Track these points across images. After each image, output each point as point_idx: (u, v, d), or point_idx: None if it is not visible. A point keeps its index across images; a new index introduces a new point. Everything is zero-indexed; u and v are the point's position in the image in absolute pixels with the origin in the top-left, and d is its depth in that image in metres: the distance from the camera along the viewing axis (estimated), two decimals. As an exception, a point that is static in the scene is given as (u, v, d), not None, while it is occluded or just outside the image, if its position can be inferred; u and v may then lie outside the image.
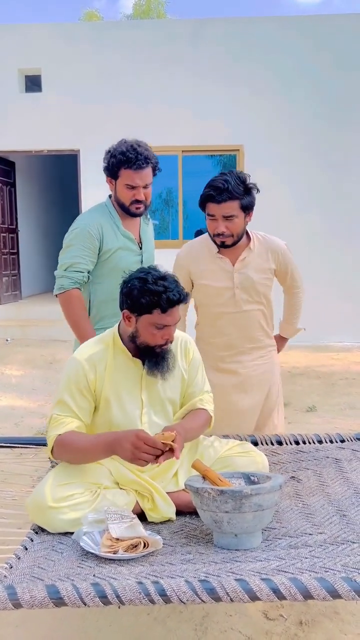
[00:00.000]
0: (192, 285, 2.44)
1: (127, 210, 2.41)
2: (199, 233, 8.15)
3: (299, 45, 7.26)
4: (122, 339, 1.88)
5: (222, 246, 2.25)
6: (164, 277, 1.78)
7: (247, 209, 2.22)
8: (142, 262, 2.49)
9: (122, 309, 1.83)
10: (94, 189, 7.57)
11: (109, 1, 51.43)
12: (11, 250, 8.89)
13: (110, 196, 2.50)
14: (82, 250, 2.38)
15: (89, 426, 1.90)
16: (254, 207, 2.27)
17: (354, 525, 1.69)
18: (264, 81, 7.30)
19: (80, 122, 7.48)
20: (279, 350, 2.67)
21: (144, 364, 1.88)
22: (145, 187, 2.36)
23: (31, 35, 7.55)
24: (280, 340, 2.71)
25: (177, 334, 1.97)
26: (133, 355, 1.88)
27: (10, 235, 8.86)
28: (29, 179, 9.70)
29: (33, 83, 7.80)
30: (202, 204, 2.23)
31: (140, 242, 2.53)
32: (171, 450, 1.67)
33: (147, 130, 7.39)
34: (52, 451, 1.81)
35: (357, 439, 2.39)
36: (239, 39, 7.31)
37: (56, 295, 2.50)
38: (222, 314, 2.41)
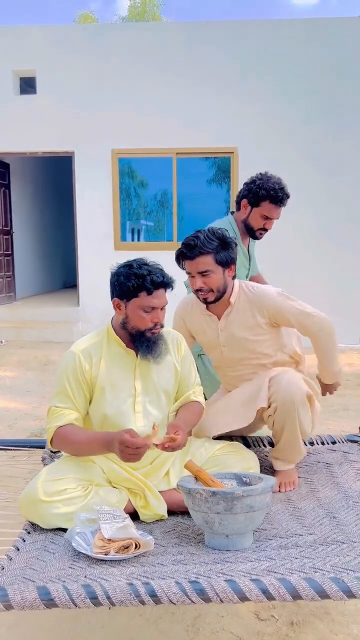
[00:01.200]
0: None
1: (252, 234, 2.74)
2: None
3: (293, 48, 7.30)
4: (115, 331, 1.97)
5: (205, 302, 2.20)
6: (148, 264, 1.91)
7: (225, 263, 2.14)
8: (247, 275, 2.84)
9: (112, 299, 1.93)
10: (89, 190, 7.60)
11: (105, 3, 51.53)
12: (5, 252, 8.88)
13: (232, 213, 2.78)
14: None
15: (85, 417, 1.97)
16: (234, 261, 2.18)
17: (343, 526, 1.71)
18: (259, 84, 7.33)
19: (75, 124, 7.49)
20: (324, 393, 2.37)
21: (137, 351, 1.95)
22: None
23: (26, 37, 7.55)
24: (322, 385, 2.37)
25: (168, 330, 2.08)
26: (127, 346, 1.96)
27: (5, 236, 8.85)
28: (23, 181, 9.70)
29: (28, 85, 7.80)
30: (179, 263, 2.20)
31: (249, 257, 2.84)
32: (173, 440, 1.79)
33: (141, 132, 7.44)
34: (51, 441, 1.89)
35: (348, 440, 2.41)
36: (233, 42, 7.34)
37: None
38: (218, 364, 2.41)
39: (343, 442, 2.43)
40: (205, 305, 2.26)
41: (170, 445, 1.80)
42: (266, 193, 2.58)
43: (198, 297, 2.21)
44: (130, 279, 1.85)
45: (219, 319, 2.25)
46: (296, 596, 1.24)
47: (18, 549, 1.61)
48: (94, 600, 1.24)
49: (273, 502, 1.94)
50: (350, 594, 1.24)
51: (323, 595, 1.24)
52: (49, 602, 1.25)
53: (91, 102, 7.46)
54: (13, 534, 1.74)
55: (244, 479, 1.79)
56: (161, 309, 1.91)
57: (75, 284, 8.26)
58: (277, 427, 2.11)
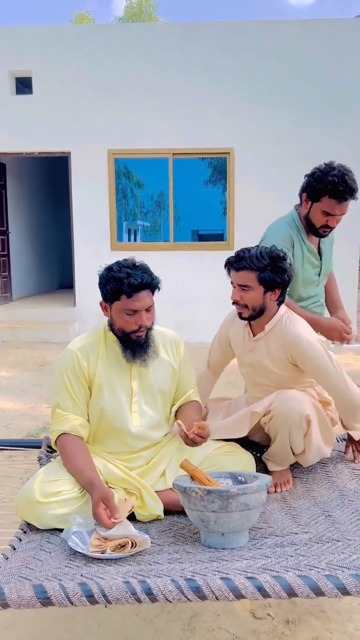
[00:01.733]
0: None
1: (314, 231, 2.43)
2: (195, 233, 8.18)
3: (289, 49, 7.31)
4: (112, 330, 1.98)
5: (240, 317, 2.16)
6: (129, 265, 1.88)
7: (269, 284, 2.06)
8: (319, 274, 2.56)
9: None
10: (85, 191, 7.60)
11: (101, 3, 51.46)
12: (2, 252, 8.87)
13: (296, 207, 2.50)
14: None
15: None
16: (283, 286, 2.09)
17: (339, 524, 1.72)
18: (255, 85, 7.34)
19: (71, 124, 7.49)
20: (347, 449, 2.29)
21: (125, 352, 1.95)
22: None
23: (22, 37, 7.54)
24: (349, 440, 2.28)
25: (166, 331, 2.10)
26: None
27: (1, 237, 8.84)
28: (19, 181, 9.69)
29: (24, 85, 7.80)
30: (228, 272, 2.17)
31: (320, 254, 2.55)
32: (203, 427, 1.83)
33: (137, 133, 7.44)
34: (55, 442, 1.91)
35: (343, 439, 2.42)
36: (230, 42, 7.35)
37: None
38: (245, 379, 2.39)
39: (338, 441, 2.43)
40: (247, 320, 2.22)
41: (200, 434, 1.80)
42: (324, 187, 2.27)
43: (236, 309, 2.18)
44: (109, 282, 1.85)
45: (254, 338, 2.21)
46: (291, 593, 1.25)
47: (14, 548, 1.62)
48: (90, 598, 1.25)
49: (268, 501, 1.95)
50: (345, 591, 1.25)
51: (318, 592, 1.24)
52: (45, 601, 1.25)
53: (87, 103, 7.47)
54: (9, 534, 1.74)
55: (240, 477, 1.80)
56: (147, 310, 1.89)
57: (72, 285, 8.26)
58: (271, 435, 2.12)
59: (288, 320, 2.13)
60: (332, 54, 7.28)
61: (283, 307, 2.17)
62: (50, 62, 7.48)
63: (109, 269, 1.89)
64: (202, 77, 7.37)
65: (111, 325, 1.94)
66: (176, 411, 2.12)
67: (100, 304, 1.95)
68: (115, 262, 1.92)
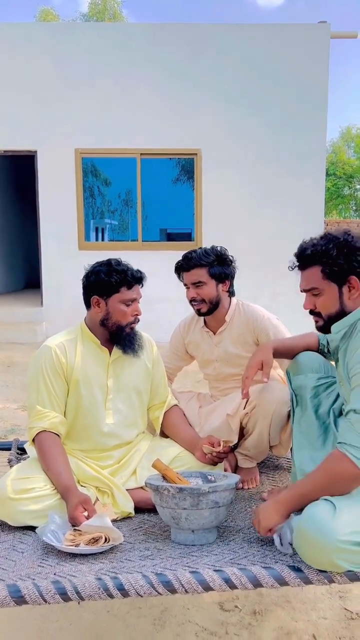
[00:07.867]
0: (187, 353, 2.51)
1: None
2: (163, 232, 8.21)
3: (256, 52, 7.42)
4: (90, 329, 2.04)
5: (199, 314, 2.33)
6: (119, 262, 2.04)
7: (219, 277, 2.27)
8: None
9: (88, 299, 2.01)
10: (52, 190, 7.54)
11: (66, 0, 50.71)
12: (-34, 251, 8.73)
13: None
14: None
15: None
16: (230, 277, 2.30)
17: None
18: (222, 86, 7.42)
19: (38, 123, 7.42)
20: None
21: (111, 349, 2.03)
22: None
23: (-14, 33, 7.43)
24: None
25: (141, 332, 2.16)
26: (102, 344, 2.03)
27: (-34, 236, 8.70)
28: (-16, 179, 9.54)
29: (-12, 82, 7.68)
30: (178, 276, 2.34)
31: None
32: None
33: (105, 133, 7.43)
34: (33, 440, 1.92)
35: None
36: (197, 44, 7.41)
37: None
38: (210, 378, 2.49)
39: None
40: (203, 322, 2.38)
41: (226, 451, 1.97)
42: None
43: (193, 308, 2.33)
44: (111, 275, 1.96)
45: (215, 334, 2.36)
46: (257, 584, 1.31)
47: (-14, 550, 1.63)
48: (64, 595, 1.28)
49: (236, 499, 2.01)
50: (307, 581, 1.32)
51: (282, 582, 1.31)
52: (19, 599, 1.28)
53: (54, 102, 7.40)
54: (-20, 536, 1.75)
55: (209, 477, 1.85)
56: (138, 302, 2.04)
57: (39, 284, 8.19)
58: (248, 427, 2.18)
59: (244, 306, 2.36)
60: (297, 57, 7.43)
61: (234, 298, 2.36)
62: (16, 61, 7.39)
63: (108, 264, 1.99)
64: (170, 78, 7.41)
65: (104, 321, 1.99)
66: (162, 421, 2.18)
67: (93, 300, 2.00)
68: (108, 260, 2.02)
